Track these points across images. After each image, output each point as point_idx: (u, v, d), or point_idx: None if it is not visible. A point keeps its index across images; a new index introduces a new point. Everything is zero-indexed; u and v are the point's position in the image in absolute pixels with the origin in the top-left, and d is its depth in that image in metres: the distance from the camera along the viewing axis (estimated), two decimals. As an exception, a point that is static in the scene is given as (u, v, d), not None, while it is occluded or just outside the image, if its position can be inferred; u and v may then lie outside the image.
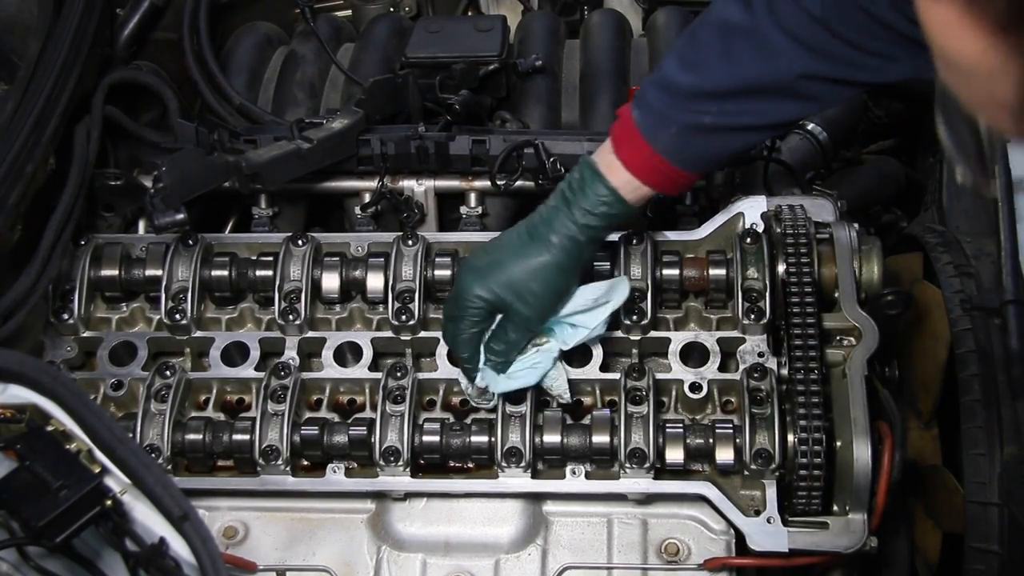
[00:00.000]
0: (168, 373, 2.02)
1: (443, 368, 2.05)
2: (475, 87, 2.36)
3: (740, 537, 1.92)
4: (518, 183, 2.23)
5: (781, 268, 2.02)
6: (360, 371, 2.07)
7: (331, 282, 2.12)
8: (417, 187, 2.29)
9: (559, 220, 1.86)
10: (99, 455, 1.52)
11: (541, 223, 1.88)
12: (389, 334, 2.10)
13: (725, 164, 2.21)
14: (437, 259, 2.11)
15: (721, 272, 2.07)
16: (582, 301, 1.93)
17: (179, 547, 1.49)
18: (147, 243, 2.18)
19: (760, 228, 2.09)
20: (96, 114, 2.25)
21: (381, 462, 1.95)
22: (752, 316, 2.02)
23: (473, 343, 1.91)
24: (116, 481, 1.52)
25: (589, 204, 1.85)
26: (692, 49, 1.79)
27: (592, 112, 2.48)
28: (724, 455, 1.94)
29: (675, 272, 2.08)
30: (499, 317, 1.91)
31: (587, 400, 2.06)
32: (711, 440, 1.95)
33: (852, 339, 1.99)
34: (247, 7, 2.81)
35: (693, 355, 2.05)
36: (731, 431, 1.94)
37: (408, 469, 1.96)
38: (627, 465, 1.93)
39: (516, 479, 1.96)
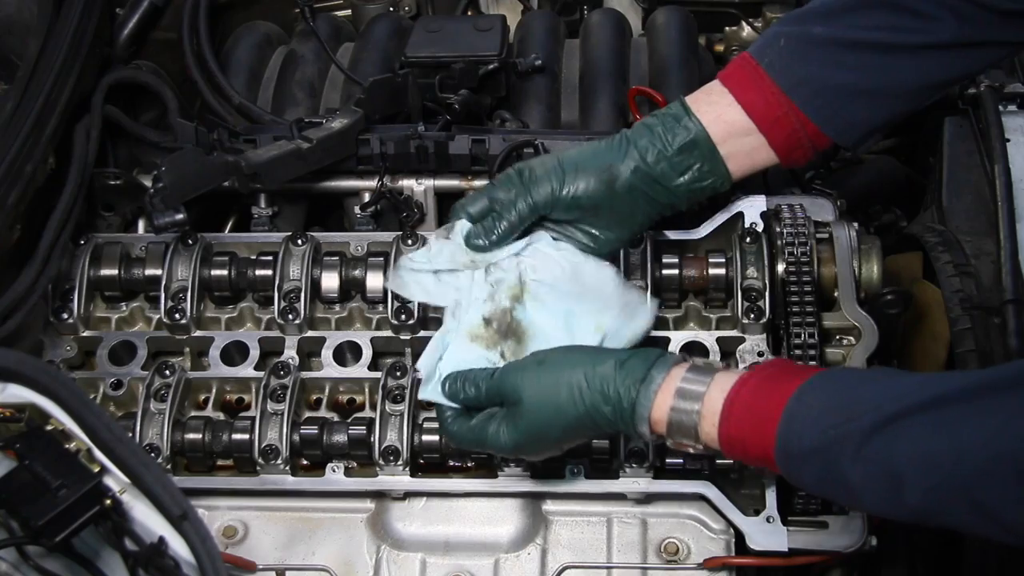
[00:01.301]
0: (168, 372, 2.02)
1: (443, 367, 2.05)
2: (474, 87, 2.36)
3: (740, 536, 1.92)
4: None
5: (781, 267, 2.02)
6: (360, 370, 2.07)
7: (331, 281, 2.11)
8: (417, 186, 2.29)
9: (620, 144, 1.74)
10: (98, 454, 1.52)
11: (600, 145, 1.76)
12: (389, 333, 2.10)
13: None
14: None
15: (720, 271, 2.07)
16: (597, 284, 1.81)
17: (178, 546, 1.48)
18: (147, 243, 2.18)
19: (760, 227, 2.09)
20: (96, 114, 2.25)
21: (380, 461, 1.95)
22: (752, 315, 2.02)
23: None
24: (115, 480, 1.52)
25: (660, 129, 1.72)
26: None
27: (592, 112, 2.47)
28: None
29: (675, 272, 2.08)
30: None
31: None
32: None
33: (852, 338, 1.99)
34: (247, 7, 2.81)
35: (693, 354, 2.05)
36: (731, 430, 1.94)
37: (407, 468, 1.96)
38: (627, 464, 1.93)
39: (515, 478, 1.96)
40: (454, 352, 1.79)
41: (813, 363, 1.90)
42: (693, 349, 2.05)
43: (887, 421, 1.38)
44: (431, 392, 1.78)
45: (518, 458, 1.88)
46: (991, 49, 1.71)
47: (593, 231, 1.82)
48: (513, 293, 1.81)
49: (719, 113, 1.75)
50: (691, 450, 1.63)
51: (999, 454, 1.30)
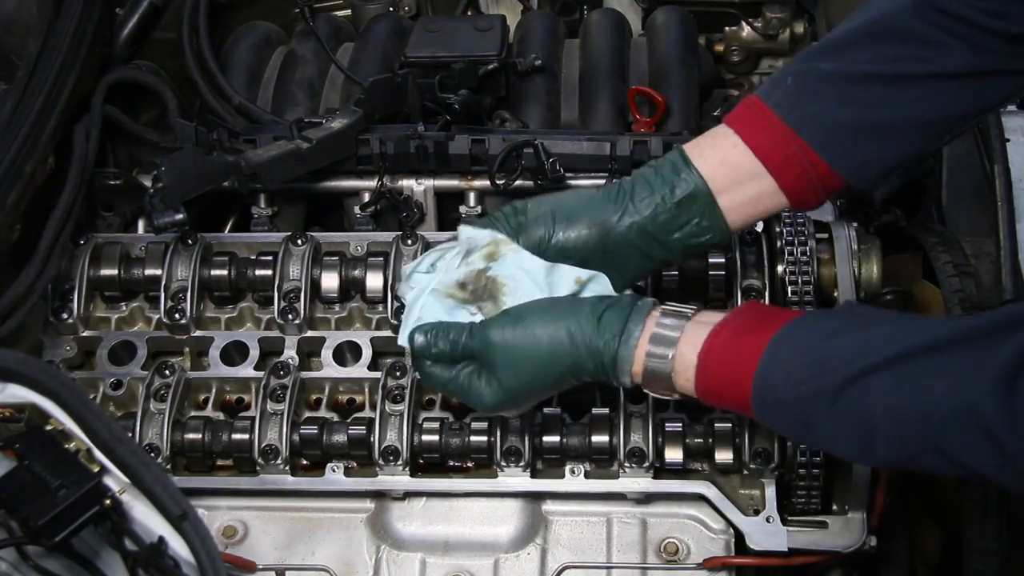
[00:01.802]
0: (167, 372, 2.02)
1: (442, 367, 2.05)
2: (474, 87, 2.36)
3: (739, 536, 1.92)
4: (517, 183, 2.22)
5: (780, 268, 2.02)
6: (359, 370, 2.07)
7: (330, 281, 2.11)
8: (416, 186, 2.29)
9: (614, 197, 1.71)
10: (98, 454, 1.52)
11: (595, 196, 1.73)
12: (388, 333, 2.10)
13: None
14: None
15: (720, 271, 2.07)
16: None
17: (178, 546, 1.49)
18: (146, 243, 2.18)
19: (759, 227, 2.09)
20: (95, 113, 2.25)
21: (380, 461, 1.95)
22: (751, 315, 2.02)
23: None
24: (115, 480, 1.52)
25: (658, 183, 1.68)
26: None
27: (591, 112, 2.47)
28: (723, 454, 1.95)
29: (674, 271, 2.08)
30: None
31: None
32: (710, 439, 1.95)
33: (851, 338, 1.99)
34: (246, 7, 2.81)
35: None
36: (730, 430, 1.94)
37: (407, 468, 1.96)
38: (626, 464, 1.93)
39: (515, 478, 1.96)
40: (430, 303, 1.74)
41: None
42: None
43: (857, 376, 1.42)
44: (404, 338, 1.74)
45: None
46: (1003, 79, 1.65)
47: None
48: (488, 251, 1.75)
49: (723, 158, 1.69)
50: (667, 397, 1.66)
51: (963, 407, 1.34)
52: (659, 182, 1.71)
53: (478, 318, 1.72)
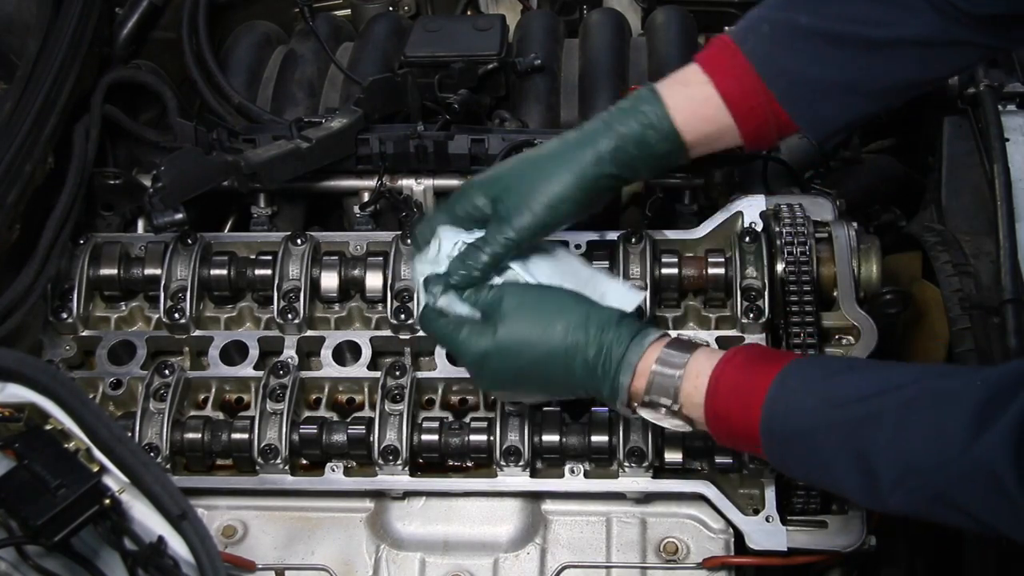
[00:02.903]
0: (167, 372, 2.02)
1: (442, 367, 2.05)
2: (474, 86, 2.36)
3: (739, 536, 1.92)
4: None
5: (780, 267, 2.01)
6: (359, 370, 2.07)
7: (330, 281, 2.11)
8: (416, 186, 2.29)
9: (588, 141, 1.72)
10: (98, 454, 1.52)
11: (567, 143, 1.73)
12: (388, 333, 2.10)
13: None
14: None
15: (720, 271, 2.07)
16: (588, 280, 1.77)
17: (178, 546, 1.49)
18: (146, 242, 2.17)
19: (759, 227, 2.09)
20: (95, 113, 2.25)
21: (380, 461, 1.95)
22: (751, 315, 2.02)
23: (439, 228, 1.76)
24: (115, 480, 1.52)
25: (628, 128, 1.70)
26: None
27: (591, 111, 2.47)
28: (723, 454, 1.94)
29: (674, 271, 2.08)
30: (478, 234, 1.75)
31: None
32: (710, 439, 1.94)
33: (851, 338, 1.99)
34: (246, 6, 2.81)
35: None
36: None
37: (407, 468, 1.96)
38: (626, 464, 1.93)
39: (515, 478, 1.96)
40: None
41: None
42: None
43: (865, 418, 1.42)
44: (428, 262, 1.74)
45: (474, 382, 1.82)
46: (965, 49, 1.70)
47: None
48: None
49: (695, 109, 1.72)
50: (659, 418, 1.65)
51: (976, 464, 1.33)
52: (636, 139, 1.72)
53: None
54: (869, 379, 1.47)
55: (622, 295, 1.76)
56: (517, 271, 1.74)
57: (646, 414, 1.66)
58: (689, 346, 1.64)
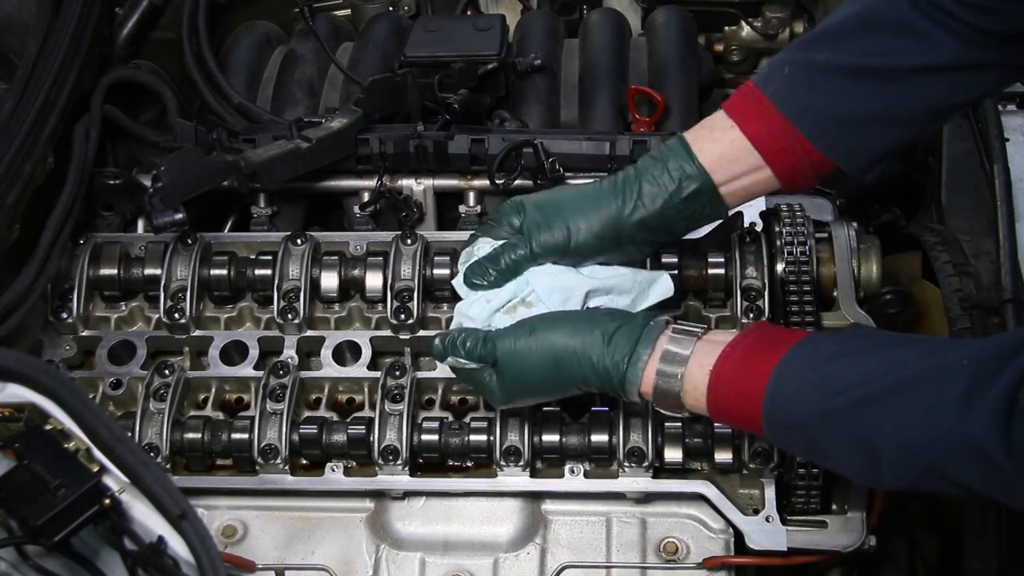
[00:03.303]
0: (167, 372, 2.02)
1: (442, 367, 2.04)
2: (474, 86, 2.36)
3: (739, 536, 1.92)
4: (517, 182, 2.23)
5: (780, 267, 2.01)
6: (359, 370, 2.07)
7: (330, 281, 2.11)
8: (416, 186, 2.29)
9: (620, 185, 1.78)
10: (97, 454, 1.52)
11: (602, 185, 1.80)
12: (388, 333, 2.10)
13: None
14: (436, 258, 2.10)
15: (720, 271, 2.07)
16: (611, 279, 1.83)
17: (178, 546, 1.49)
18: (146, 242, 2.17)
19: (759, 227, 2.09)
20: (95, 113, 2.25)
21: (380, 461, 1.95)
22: (751, 315, 2.02)
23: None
24: (115, 480, 1.52)
25: (656, 169, 1.75)
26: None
27: (591, 111, 2.47)
28: (723, 454, 1.94)
29: (674, 271, 2.07)
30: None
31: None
32: (710, 439, 1.95)
33: (851, 338, 1.99)
34: (246, 6, 2.81)
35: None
36: (730, 430, 1.94)
37: (407, 468, 1.96)
38: (626, 464, 1.93)
39: (515, 478, 1.96)
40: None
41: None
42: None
43: (860, 403, 1.48)
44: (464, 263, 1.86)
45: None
46: (991, 73, 1.70)
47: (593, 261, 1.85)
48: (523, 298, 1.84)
49: (722, 152, 1.75)
50: (676, 414, 1.72)
51: (964, 439, 1.38)
52: (666, 179, 1.77)
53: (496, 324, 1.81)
54: (864, 365, 1.52)
55: (658, 286, 1.85)
56: (524, 278, 1.83)
57: (663, 410, 1.72)
58: (687, 342, 1.67)
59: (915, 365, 1.47)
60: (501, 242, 1.84)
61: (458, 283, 1.88)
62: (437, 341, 1.80)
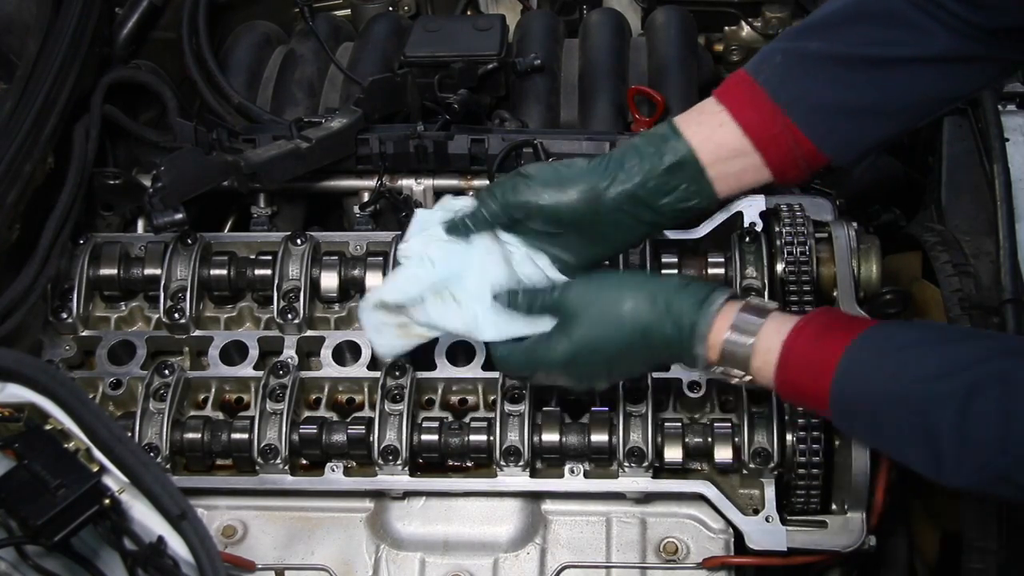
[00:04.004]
0: (167, 372, 2.02)
1: (442, 367, 2.05)
2: (474, 86, 2.36)
3: (739, 536, 1.92)
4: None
5: (780, 267, 2.02)
6: (359, 370, 2.07)
7: (330, 281, 2.11)
8: (416, 186, 2.29)
9: (604, 162, 1.72)
10: (97, 454, 1.52)
11: (584, 162, 1.74)
12: (388, 333, 2.10)
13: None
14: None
15: (720, 271, 2.07)
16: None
17: (177, 546, 1.49)
18: (146, 242, 2.17)
19: (759, 227, 2.09)
20: (95, 113, 2.25)
21: (380, 461, 1.95)
22: (751, 315, 2.02)
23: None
24: (114, 480, 1.52)
25: (648, 150, 1.69)
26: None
27: (591, 111, 2.47)
28: (723, 454, 1.95)
29: (674, 271, 2.08)
30: None
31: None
32: (710, 439, 1.95)
33: (851, 338, 1.99)
34: (246, 6, 2.81)
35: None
36: (730, 430, 1.94)
37: (407, 468, 1.96)
38: (626, 464, 1.93)
39: (515, 478, 1.96)
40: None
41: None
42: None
43: (932, 395, 1.45)
44: (490, 328, 1.72)
45: (561, 383, 1.80)
46: (983, 65, 1.69)
47: (573, 246, 1.78)
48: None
49: (710, 133, 1.72)
50: (736, 381, 1.68)
51: None
52: (649, 150, 1.72)
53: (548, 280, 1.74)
54: (936, 357, 1.49)
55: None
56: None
57: (723, 378, 1.69)
58: (759, 311, 1.64)
59: (993, 363, 1.45)
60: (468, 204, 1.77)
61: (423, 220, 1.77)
62: (503, 297, 1.72)
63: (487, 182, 2.24)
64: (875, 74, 1.68)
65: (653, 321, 1.64)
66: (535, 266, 1.76)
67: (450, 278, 1.73)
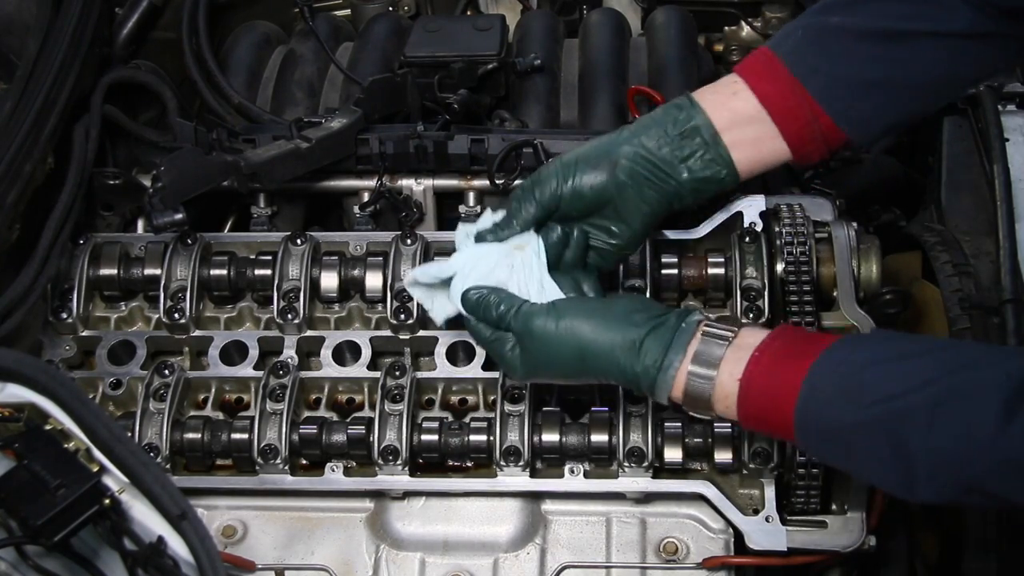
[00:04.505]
0: (167, 372, 2.02)
1: (442, 367, 2.05)
2: (474, 86, 2.36)
3: (739, 536, 1.92)
4: (517, 182, 2.23)
5: (780, 267, 2.02)
6: (359, 370, 2.07)
7: (330, 281, 2.12)
8: (416, 186, 2.29)
9: (622, 136, 1.74)
10: (97, 454, 1.52)
11: (604, 138, 1.76)
12: (388, 333, 2.10)
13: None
14: (436, 258, 2.11)
15: (720, 271, 2.07)
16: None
17: (177, 546, 1.49)
18: (146, 242, 2.17)
19: (759, 227, 2.09)
20: (95, 113, 2.25)
21: (380, 461, 1.95)
22: (751, 315, 2.02)
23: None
24: (114, 480, 1.52)
25: (663, 118, 1.71)
26: None
27: (591, 111, 2.47)
28: (723, 454, 1.95)
29: (674, 271, 2.08)
30: None
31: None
32: (710, 439, 1.95)
33: (851, 338, 1.99)
34: (246, 6, 2.81)
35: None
36: (729, 430, 1.94)
37: (407, 468, 1.96)
38: (626, 464, 1.93)
39: (515, 478, 1.96)
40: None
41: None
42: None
43: (894, 415, 1.44)
44: (454, 298, 1.77)
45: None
46: (1006, 42, 1.69)
47: (606, 225, 1.79)
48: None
49: (724, 101, 1.73)
50: (706, 417, 1.69)
51: (1005, 456, 1.36)
52: (664, 118, 1.74)
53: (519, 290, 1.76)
54: (897, 374, 1.48)
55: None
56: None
57: (693, 413, 1.69)
58: (718, 347, 1.62)
59: (952, 376, 1.44)
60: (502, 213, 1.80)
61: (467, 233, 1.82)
62: (472, 293, 1.73)
63: (487, 182, 2.24)
64: (893, 48, 1.68)
65: (606, 372, 1.66)
66: (539, 284, 1.77)
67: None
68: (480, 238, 1.80)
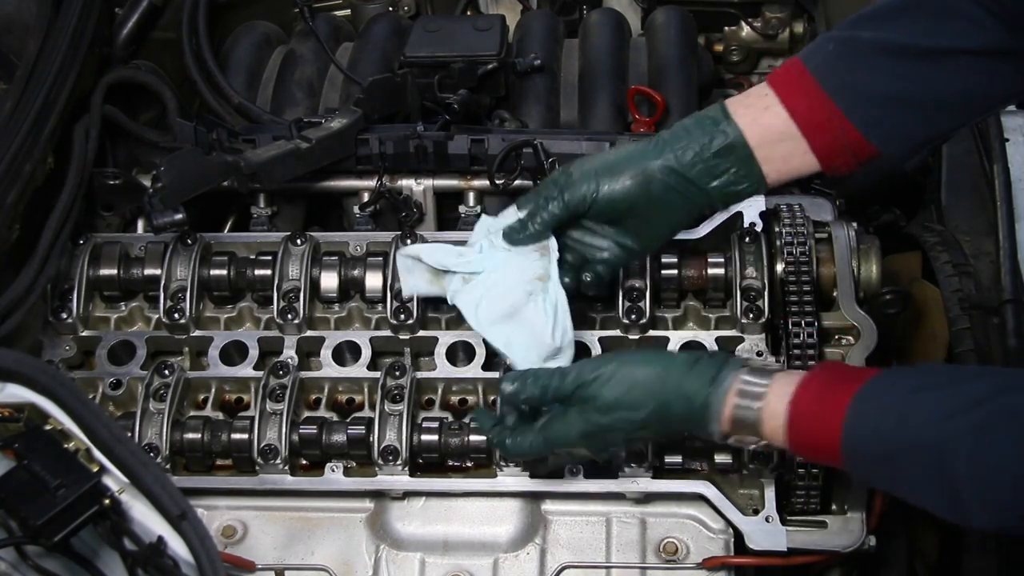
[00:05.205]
0: (167, 372, 2.02)
1: (442, 367, 2.05)
2: (474, 86, 2.36)
3: (739, 536, 1.92)
4: (517, 182, 2.23)
5: (780, 267, 2.02)
6: (359, 370, 2.07)
7: (330, 281, 2.11)
8: (416, 186, 2.29)
9: (656, 145, 1.74)
10: (97, 454, 1.53)
11: (636, 147, 1.76)
12: (388, 333, 2.10)
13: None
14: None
15: (720, 271, 2.07)
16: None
17: (177, 546, 1.49)
18: (146, 242, 2.17)
19: (759, 227, 2.09)
20: (95, 113, 2.25)
21: (380, 461, 1.95)
22: (751, 315, 2.02)
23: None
24: (114, 480, 1.53)
25: (697, 132, 1.72)
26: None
27: (591, 111, 2.47)
28: (723, 455, 1.94)
29: (674, 271, 2.08)
30: None
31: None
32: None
33: (851, 338, 1.99)
34: (246, 7, 2.81)
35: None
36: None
37: (406, 468, 1.96)
38: (625, 464, 1.93)
39: (514, 478, 1.96)
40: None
41: (811, 363, 1.91)
42: (694, 348, 2.05)
43: (943, 441, 1.43)
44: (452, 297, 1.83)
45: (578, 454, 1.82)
46: None
47: (632, 231, 1.81)
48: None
49: (757, 116, 1.73)
50: (753, 447, 1.69)
51: None
52: (699, 132, 1.75)
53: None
54: (942, 399, 1.47)
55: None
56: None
57: (739, 445, 1.70)
58: (765, 374, 1.63)
59: (999, 402, 1.42)
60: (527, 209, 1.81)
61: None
62: (508, 385, 1.74)
63: (487, 182, 2.24)
64: (924, 65, 1.68)
65: (665, 403, 1.65)
66: (554, 320, 1.79)
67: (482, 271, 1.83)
68: (506, 235, 1.81)
